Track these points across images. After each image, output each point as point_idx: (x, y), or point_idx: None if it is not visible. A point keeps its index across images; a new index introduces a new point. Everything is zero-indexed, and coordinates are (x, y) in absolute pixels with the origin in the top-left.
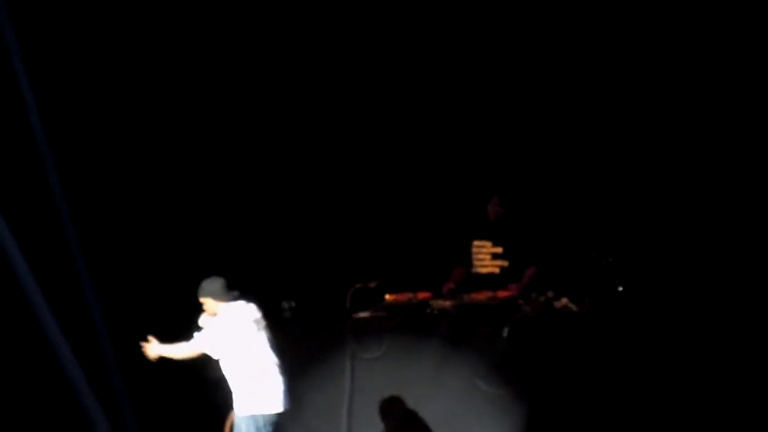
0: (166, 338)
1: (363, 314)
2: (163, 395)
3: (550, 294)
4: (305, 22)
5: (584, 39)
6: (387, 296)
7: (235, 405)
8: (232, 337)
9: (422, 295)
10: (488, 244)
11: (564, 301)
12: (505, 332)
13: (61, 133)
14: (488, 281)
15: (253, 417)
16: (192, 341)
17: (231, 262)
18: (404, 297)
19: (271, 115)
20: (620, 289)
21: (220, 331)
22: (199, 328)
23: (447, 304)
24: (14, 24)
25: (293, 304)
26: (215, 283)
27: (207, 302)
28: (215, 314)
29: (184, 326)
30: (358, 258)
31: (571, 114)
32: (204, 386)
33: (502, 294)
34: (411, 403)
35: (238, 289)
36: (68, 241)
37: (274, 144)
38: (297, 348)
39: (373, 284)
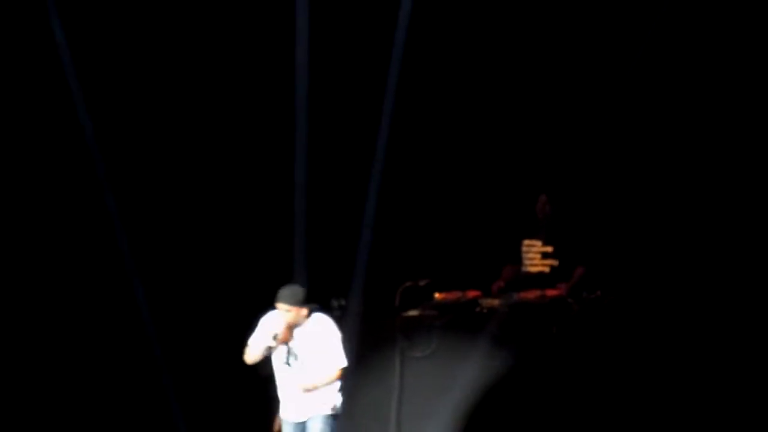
0: (216, 333)
1: (412, 312)
2: (210, 394)
3: (598, 293)
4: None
5: (637, 40)
6: (436, 294)
7: (322, 406)
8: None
9: (471, 293)
10: (538, 243)
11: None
12: (554, 331)
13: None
14: (538, 280)
15: (334, 417)
16: (333, 365)
17: (280, 261)
18: (453, 295)
19: (324, 113)
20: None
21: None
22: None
23: (496, 302)
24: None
25: (343, 303)
26: (301, 291)
27: (294, 311)
28: (296, 323)
29: (235, 323)
30: (408, 256)
31: (618, 114)
32: (253, 385)
33: (551, 293)
34: (459, 401)
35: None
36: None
37: (325, 142)
38: (346, 346)
39: (422, 282)
